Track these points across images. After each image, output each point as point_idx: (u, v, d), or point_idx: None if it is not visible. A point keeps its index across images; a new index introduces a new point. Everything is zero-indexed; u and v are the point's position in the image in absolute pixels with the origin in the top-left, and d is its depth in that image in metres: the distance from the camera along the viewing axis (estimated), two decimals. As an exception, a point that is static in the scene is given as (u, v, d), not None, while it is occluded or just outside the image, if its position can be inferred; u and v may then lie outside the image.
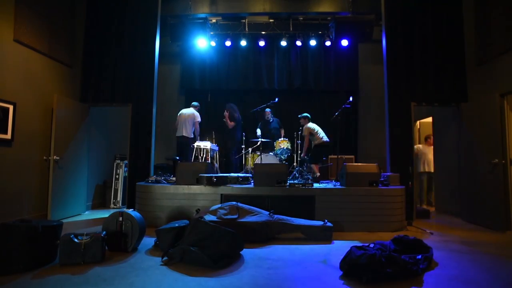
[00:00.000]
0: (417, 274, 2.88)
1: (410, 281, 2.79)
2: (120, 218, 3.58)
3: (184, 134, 6.34)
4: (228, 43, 7.63)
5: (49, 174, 5.13)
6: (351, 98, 5.85)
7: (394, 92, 5.69)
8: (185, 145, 6.34)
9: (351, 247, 3.03)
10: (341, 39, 7.52)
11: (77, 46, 5.96)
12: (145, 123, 5.81)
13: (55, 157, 5.16)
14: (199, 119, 6.48)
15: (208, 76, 8.02)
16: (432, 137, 6.79)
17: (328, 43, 7.58)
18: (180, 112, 6.49)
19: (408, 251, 3.18)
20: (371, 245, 3.12)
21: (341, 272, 2.96)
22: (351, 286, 2.70)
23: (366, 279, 2.72)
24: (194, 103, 6.78)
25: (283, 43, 7.59)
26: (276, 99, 6.17)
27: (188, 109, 6.50)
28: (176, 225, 3.55)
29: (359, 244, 3.20)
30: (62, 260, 3.08)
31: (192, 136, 6.36)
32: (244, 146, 6.73)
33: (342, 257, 3.03)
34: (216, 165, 6.68)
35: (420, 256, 3.04)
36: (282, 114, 8.05)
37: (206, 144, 6.26)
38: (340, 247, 3.75)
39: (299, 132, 6.58)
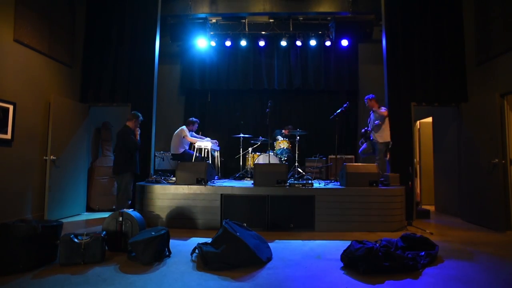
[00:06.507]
0: (415, 269, 3.01)
1: (406, 274, 2.92)
2: (120, 218, 3.59)
3: (172, 152, 6.30)
4: (228, 43, 7.62)
5: (46, 174, 5.13)
6: (347, 103, 5.88)
7: (394, 92, 5.70)
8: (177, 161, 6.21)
9: (352, 242, 3.19)
10: (341, 39, 7.52)
11: (77, 46, 5.96)
12: (145, 123, 5.80)
13: (52, 156, 5.16)
14: (186, 133, 6.17)
15: (208, 76, 8.01)
16: None
17: (328, 43, 7.57)
18: None
19: (415, 248, 3.33)
20: (378, 241, 3.27)
21: (342, 272, 3.00)
22: (350, 276, 2.89)
23: (363, 270, 2.90)
24: (191, 118, 6.56)
25: (283, 43, 7.58)
26: (269, 103, 6.18)
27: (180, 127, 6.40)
28: (153, 233, 3.30)
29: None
30: (62, 260, 3.08)
31: (181, 151, 6.18)
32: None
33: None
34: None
35: (423, 253, 3.21)
36: (282, 114, 8.06)
37: (206, 144, 6.25)
38: (341, 248, 3.74)
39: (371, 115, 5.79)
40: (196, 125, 6.53)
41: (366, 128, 5.84)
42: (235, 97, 8.23)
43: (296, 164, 6.20)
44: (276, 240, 4.05)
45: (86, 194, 6.05)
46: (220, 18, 7.54)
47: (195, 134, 6.59)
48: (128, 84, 5.90)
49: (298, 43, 7.59)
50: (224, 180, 6.13)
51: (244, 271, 2.97)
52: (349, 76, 7.87)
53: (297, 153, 6.37)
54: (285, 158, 6.48)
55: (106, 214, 5.44)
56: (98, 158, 6.42)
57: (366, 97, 5.80)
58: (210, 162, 6.04)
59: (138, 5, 6.00)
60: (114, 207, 6.13)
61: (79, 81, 6.01)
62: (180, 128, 6.32)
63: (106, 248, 3.40)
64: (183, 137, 6.18)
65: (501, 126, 4.90)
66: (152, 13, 5.97)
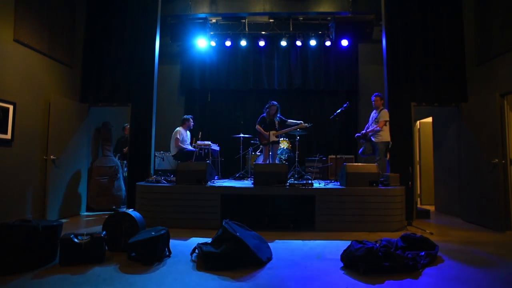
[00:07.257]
0: (415, 269, 3.01)
1: (406, 274, 2.92)
2: (120, 218, 3.58)
3: (171, 152, 6.34)
4: (228, 43, 7.62)
5: (46, 174, 5.13)
6: (347, 103, 5.86)
7: (394, 92, 5.70)
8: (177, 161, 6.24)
9: (352, 242, 3.19)
10: (341, 39, 7.52)
11: (77, 46, 5.96)
12: (145, 123, 5.81)
13: (52, 156, 5.16)
14: (177, 135, 6.16)
15: (208, 76, 8.02)
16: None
17: (328, 43, 7.57)
18: None
19: (415, 248, 3.33)
20: (378, 241, 3.27)
21: (342, 272, 3.00)
22: (350, 276, 2.89)
23: (363, 270, 2.91)
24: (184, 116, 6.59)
25: (283, 43, 7.59)
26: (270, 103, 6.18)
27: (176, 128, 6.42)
28: (153, 233, 3.28)
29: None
30: (62, 260, 3.08)
31: (174, 153, 6.23)
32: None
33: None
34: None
35: (423, 253, 3.22)
36: (282, 114, 8.04)
37: (206, 144, 6.25)
38: (341, 248, 3.74)
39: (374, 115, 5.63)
40: (191, 121, 6.44)
41: (361, 132, 5.73)
42: (235, 97, 8.24)
43: (296, 164, 6.20)
44: (276, 240, 4.05)
45: (86, 194, 6.04)
46: (220, 18, 7.55)
47: (188, 138, 6.52)
48: (128, 84, 5.90)
49: (298, 43, 7.59)
50: (224, 180, 6.13)
51: (244, 271, 2.97)
52: (349, 76, 7.88)
53: (297, 153, 6.37)
54: (285, 158, 6.48)
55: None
56: (98, 158, 6.41)
57: (375, 94, 5.63)
58: (210, 162, 6.04)
59: (138, 5, 6.00)
60: (114, 207, 6.15)
61: (79, 81, 6.01)
62: (176, 129, 6.33)
63: (106, 248, 3.39)
64: (175, 139, 6.19)
65: (501, 126, 4.90)
66: (152, 13, 5.96)
